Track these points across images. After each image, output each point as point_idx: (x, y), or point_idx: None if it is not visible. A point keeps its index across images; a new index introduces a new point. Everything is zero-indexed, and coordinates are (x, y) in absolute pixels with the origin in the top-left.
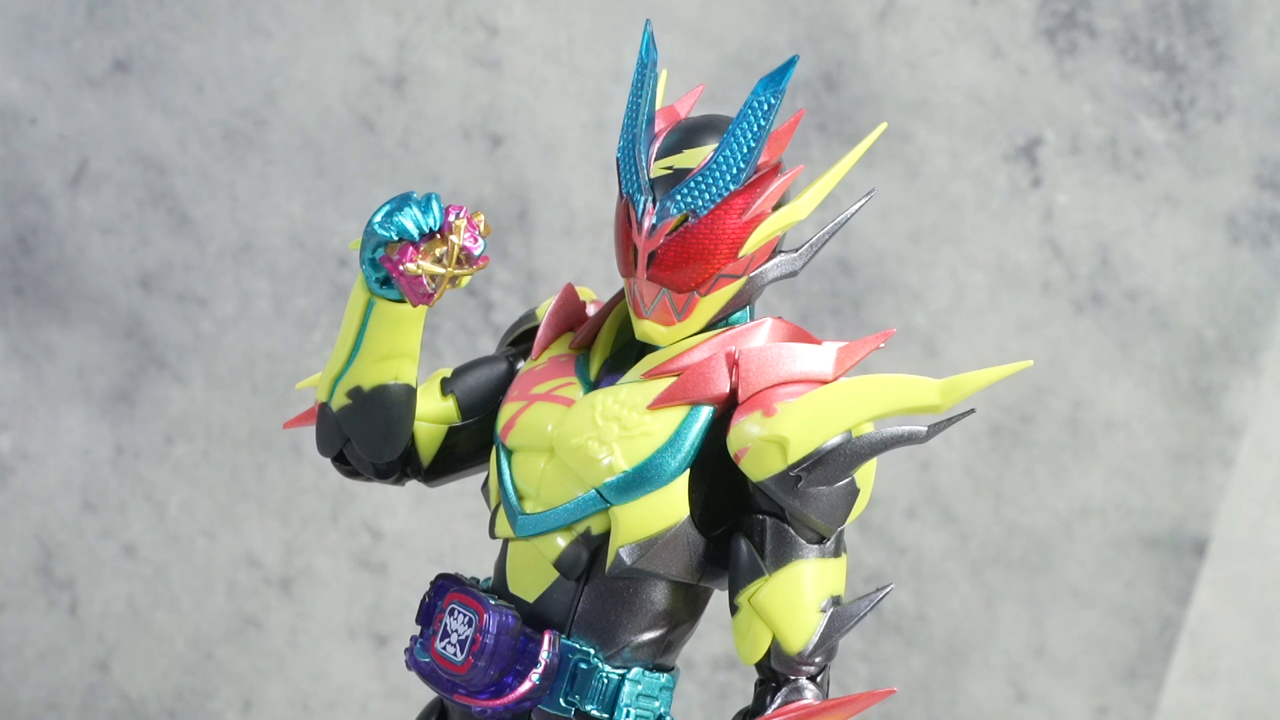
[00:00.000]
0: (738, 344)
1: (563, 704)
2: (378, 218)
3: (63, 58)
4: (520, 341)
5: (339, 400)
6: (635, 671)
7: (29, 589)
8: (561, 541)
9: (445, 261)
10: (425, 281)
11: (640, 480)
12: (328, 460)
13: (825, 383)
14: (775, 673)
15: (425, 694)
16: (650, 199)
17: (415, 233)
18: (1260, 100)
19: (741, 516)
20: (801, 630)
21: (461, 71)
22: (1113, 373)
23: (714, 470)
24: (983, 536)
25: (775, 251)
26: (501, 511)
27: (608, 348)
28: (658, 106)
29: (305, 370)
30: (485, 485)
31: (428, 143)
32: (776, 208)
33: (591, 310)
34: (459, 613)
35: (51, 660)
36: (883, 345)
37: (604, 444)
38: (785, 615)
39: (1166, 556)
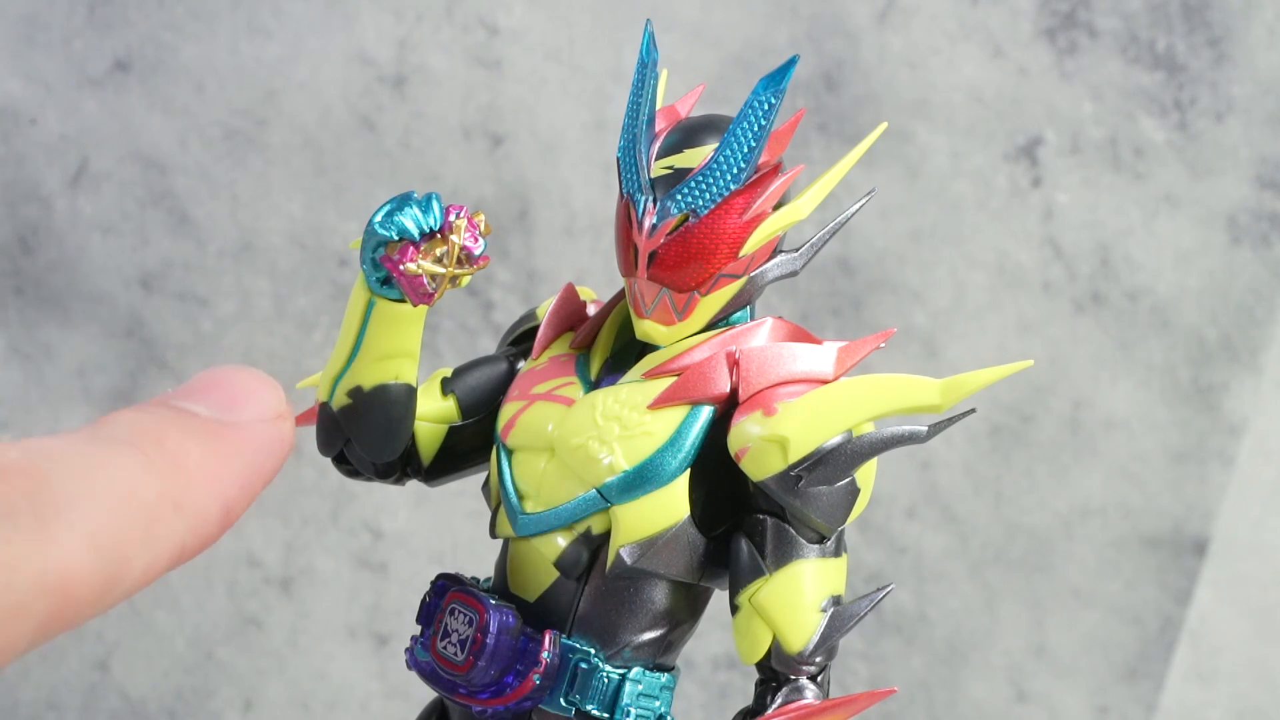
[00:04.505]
0: (738, 344)
1: (563, 704)
2: (378, 217)
3: (63, 58)
4: (521, 341)
5: (339, 400)
6: (636, 671)
7: None
8: (562, 541)
9: (446, 261)
10: (425, 281)
11: (641, 480)
12: (328, 460)
13: (826, 382)
14: (776, 672)
15: (425, 694)
16: (651, 198)
17: (415, 232)
18: (1260, 100)
19: (742, 516)
20: (802, 630)
21: (461, 71)
22: (1113, 373)
23: (714, 470)
24: (983, 536)
25: (775, 251)
26: (502, 511)
27: (608, 347)
28: (658, 106)
29: (305, 370)
30: (485, 485)
31: (428, 143)
32: (777, 207)
33: (592, 310)
34: (459, 612)
35: (51, 660)
36: (883, 345)
37: (604, 443)
38: (785, 615)
39: (1166, 556)
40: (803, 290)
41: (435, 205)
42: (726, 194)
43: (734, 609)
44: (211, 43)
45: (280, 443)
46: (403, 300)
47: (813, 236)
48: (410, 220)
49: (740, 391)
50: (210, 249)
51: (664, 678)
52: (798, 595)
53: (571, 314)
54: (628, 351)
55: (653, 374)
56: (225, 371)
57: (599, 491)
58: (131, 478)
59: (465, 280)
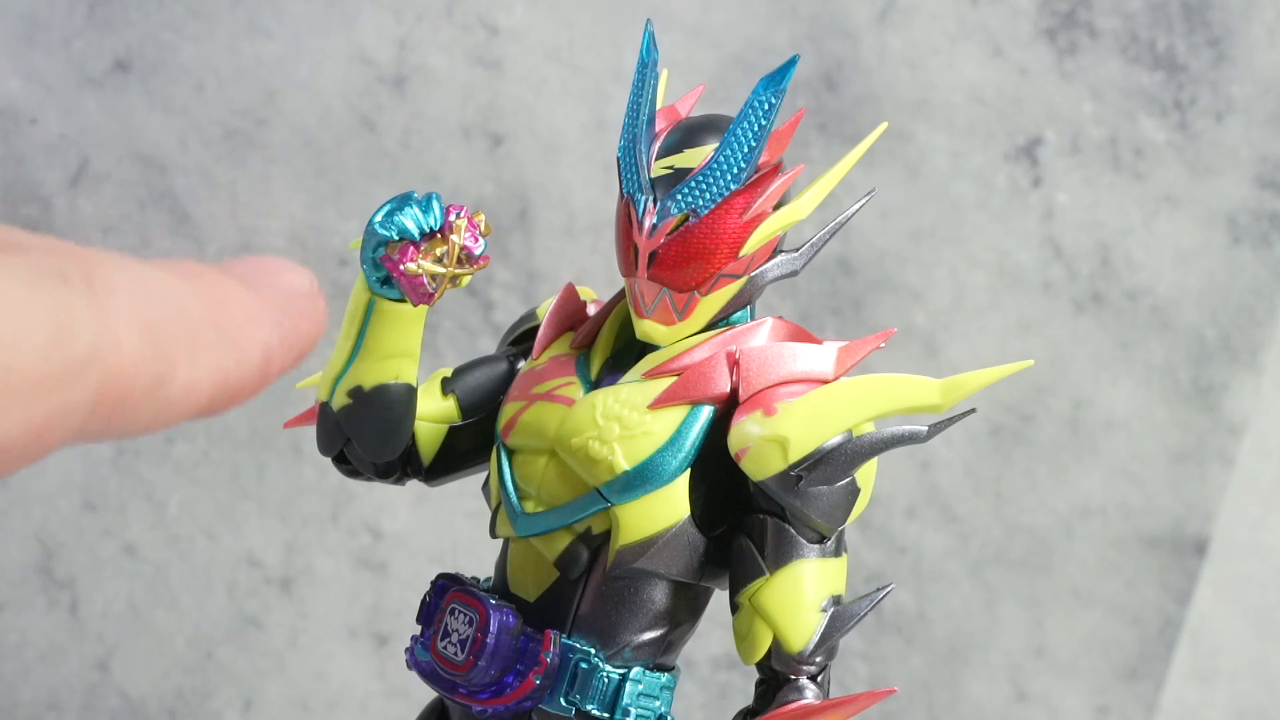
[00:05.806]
0: (738, 343)
1: (563, 704)
2: (378, 217)
3: (63, 58)
4: (521, 341)
5: (340, 400)
6: (636, 671)
7: (29, 589)
8: (562, 541)
9: (446, 261)
10: (426, 281)
11: (641, 479)
12: (328, 460)
13: (826, 382)
14: (776, 672)
15: (425, 694)
16: (651, 198)
17: (416, 232)
18: (1260, 100)
19: (742, 516)
20: (802, 630)
21: (461, 71)
22: (1113, 373)
23: (714, 470)
24: (983, 536)
25: (776, 251)
26: (502, 511)
27: (608, 347)
28: (658, 106)
29: (305, 370)
30: (486, 485)
31: (428, 143)
32: (777, 207)
33: (592, 310)
34: (460, 612)
35: (51, 660)
36: (883, 345)
37: (605, 443)
38: (786, 615)
39: (1166, 556)
40: (803, 290)
41: (435, 205)
42: (727, 194)
43: (734, 609)
44: (211, 43)
45: (314, 313)
46: (403, 300)
47: (813, 236)
48: (410, 220)
49: (740, 391)
50: (210, 249)
51: (664, 678)
52: (798, 595)
53: (571, 314)
54: (628, 351)
55: (653, 374)
56: (257, 257)
57: (599, 491)
58: (178, 292)
59: (465, 280)
